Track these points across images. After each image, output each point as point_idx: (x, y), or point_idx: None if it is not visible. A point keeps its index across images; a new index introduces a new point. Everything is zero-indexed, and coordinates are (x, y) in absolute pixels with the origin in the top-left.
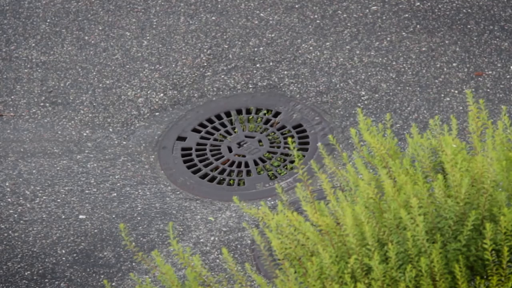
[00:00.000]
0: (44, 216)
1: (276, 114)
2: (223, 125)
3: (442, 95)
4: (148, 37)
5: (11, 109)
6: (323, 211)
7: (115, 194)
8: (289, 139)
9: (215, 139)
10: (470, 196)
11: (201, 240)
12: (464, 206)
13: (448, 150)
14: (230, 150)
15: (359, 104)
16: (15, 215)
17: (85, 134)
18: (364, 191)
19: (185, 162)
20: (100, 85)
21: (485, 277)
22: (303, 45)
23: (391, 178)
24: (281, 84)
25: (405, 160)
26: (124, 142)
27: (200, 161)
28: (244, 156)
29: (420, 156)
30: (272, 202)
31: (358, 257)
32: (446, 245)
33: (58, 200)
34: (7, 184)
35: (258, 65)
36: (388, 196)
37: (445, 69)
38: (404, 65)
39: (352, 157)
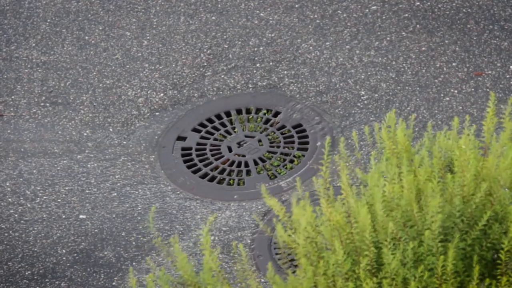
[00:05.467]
0: (44, 216)
1: (276, 114)
2: (223, 125)
3: (442, 95)
4: (148, 37)
5: (12, 109)
6: (336, 208)
7: (115, 194)
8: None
9: (215, 139)
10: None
11: (201, 240)
12: (471, 206)
13: (457, 151)
14: (230, 150)
15: (358, 104)
16: (16, 215)
17: (85, 134)
18: (380, 188)
19: (185, 162)
20: (100, 85)
21: (487, 276)
22: (303, 45)
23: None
24: (281, 84)
25: (418, 157)
26: (124, 142)
27: (200, 161)
28: (244, 156)
29: (436, 153)
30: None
31: (369, 254)
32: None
33: (59, 200)
34: (7, 184)
35: (258, 65)
36: (399, 193)
37: (444, 68)
38: (404, 64)
39: (354, 157)
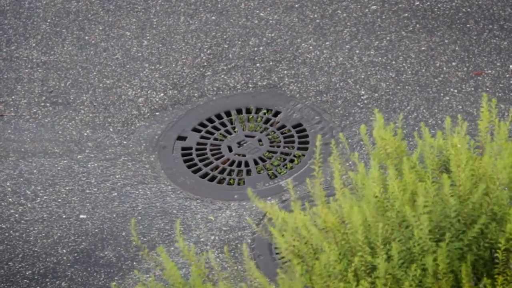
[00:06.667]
0: (45, 215)
1: (276, 113)
2: (223, 125)
3: (442, 94)
4: (148, 37)
5: (12, 109)
6: (329, 209)
7: (115, 193)
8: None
9: (215, 139)
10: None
11: (202, 239)
12: (468, 206)
13: (453, 150)
14: (230, 149)
15: (358, 104)
16: (16, 215)
17: (85, 134)
18: (371, 189)
19: (185, 161)
20: (101, 85)
21: (485, 275)
22: (303, 44)
23: (398, 177)
24: (281, 84)
25: (410, 158)
26: (125, 142)
27: (200, 161)
28: (244, 155)
29: (428, 153)
30: (272, 201)
31: (363, 254)
32: (448, 244)
33: (59, 200)
34: (8, 184)
35: (258, 64)
36: (393, 194)
37: (444, 68)
38: (404, 64)
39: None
